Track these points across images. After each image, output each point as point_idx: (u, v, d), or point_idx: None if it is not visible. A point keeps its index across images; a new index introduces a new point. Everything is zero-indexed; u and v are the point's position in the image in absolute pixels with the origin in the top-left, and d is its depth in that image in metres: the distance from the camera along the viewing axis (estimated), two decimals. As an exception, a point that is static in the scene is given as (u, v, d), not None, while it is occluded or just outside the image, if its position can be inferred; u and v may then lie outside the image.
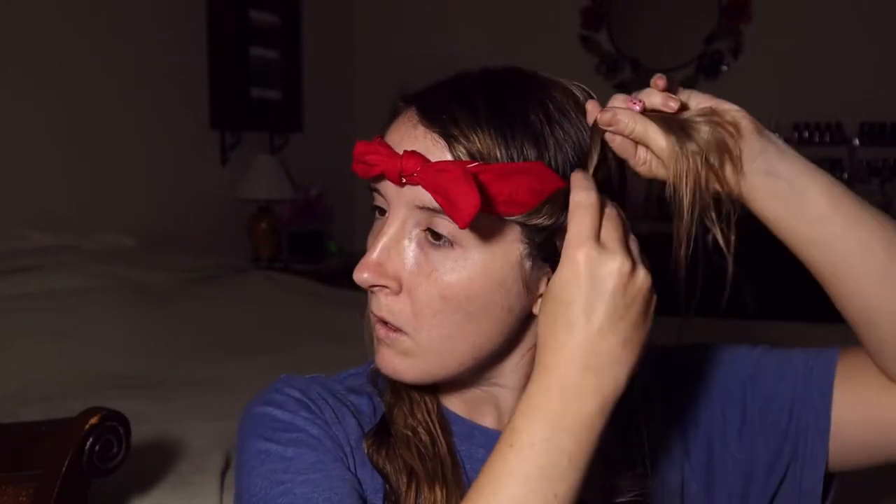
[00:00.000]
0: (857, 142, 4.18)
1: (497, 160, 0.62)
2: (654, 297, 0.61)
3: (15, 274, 2.30)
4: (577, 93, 0.69)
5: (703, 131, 0.62)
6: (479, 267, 0.64)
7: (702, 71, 4.38)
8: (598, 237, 0.60)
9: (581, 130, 0.66)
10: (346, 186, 4.36)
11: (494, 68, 0.70)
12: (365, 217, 0.71)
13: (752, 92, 4.26)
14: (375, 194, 0.69)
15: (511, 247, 0.64)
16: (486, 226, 0.63)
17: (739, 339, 0.81)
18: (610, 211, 0.62)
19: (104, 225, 3.04)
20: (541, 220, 0.64)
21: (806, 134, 4.22)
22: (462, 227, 0.60)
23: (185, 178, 3.63)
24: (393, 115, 0.69)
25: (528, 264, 0.65)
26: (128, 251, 2.87)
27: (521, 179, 0.62)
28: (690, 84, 4.35)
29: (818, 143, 4.19)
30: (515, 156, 0.63)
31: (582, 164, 0.65)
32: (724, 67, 4.35)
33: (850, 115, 4.15)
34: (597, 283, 0.59)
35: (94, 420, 1.03)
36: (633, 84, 4.46)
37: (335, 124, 4.61)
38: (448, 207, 0.60)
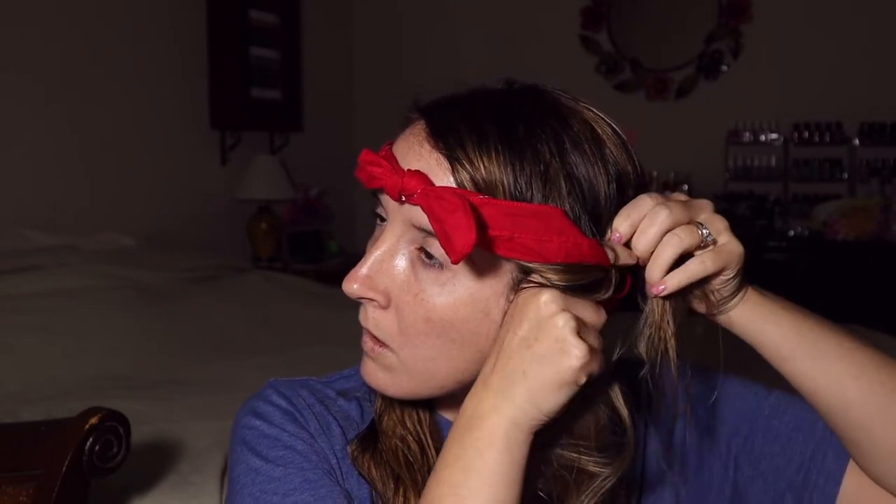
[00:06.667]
0: (857, 142, 4.18)
1: (503, 190, 0.60)
2: (573, 349, 0.57)
3: (15, 274, 2.30)
4: (600, 127, 0.65)
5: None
6: (465, 295, 0.62)
7: (702, 71, 4.38)
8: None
9: (593, 167, 0.63)
10: (346, 186, 4.36)
11: (513, 87, 0.67)
12: (365, 217, 0.70)
13: (752, 92, 4.27)
14: (377, 202, 0.67)
15: (503, 279, 0.62)
16: (480, 259, 0.61)
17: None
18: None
19: (104, 225, 3.05)
20: (539, 271, 0.61)
21: (806, 134, 4.21)
22: (454, 263, 0.57)
23: (185, 178, 3.63)
24: (404, 124, 0.67)
25: (513, 296, 0.63)
26: (128, 251, 2.87)
27: (528, 222, 0.59)
28: (690, 84, 4.38)
29: (818, 143, 4.20)
30: (523, 188, 0.60)
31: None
32: (724, 67, 4.35)
33: (850, 115, 4.15)
34: (523, 311, 0.59)
35: (94, 420, 1.03)
36: (633, 84, 4.47)
37: (335, 124, 4.61)
38: (443, 239, 0.57)
